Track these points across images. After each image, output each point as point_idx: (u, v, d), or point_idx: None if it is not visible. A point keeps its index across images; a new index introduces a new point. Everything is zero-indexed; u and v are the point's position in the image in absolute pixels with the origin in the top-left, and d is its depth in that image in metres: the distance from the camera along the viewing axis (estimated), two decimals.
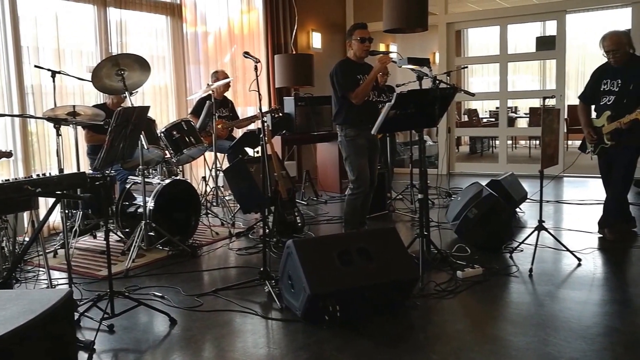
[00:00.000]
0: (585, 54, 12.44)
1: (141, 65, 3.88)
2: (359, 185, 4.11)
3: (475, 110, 11.63)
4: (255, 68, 3.19)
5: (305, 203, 5.98)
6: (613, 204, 4.27)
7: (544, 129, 3.60)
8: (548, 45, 8.10)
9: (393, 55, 4.04)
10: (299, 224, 4.40)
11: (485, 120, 11.44)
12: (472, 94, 4.49)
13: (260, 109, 3.28)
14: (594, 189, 6.55)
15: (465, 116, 11.49)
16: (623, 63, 4.11)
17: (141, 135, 3.90)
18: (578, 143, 12.18)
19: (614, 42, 4.08)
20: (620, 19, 8.82)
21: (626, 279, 3.40)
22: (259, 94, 3.21)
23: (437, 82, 3.40)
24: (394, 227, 3.30)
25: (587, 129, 4.33)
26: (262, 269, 3.30)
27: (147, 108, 3.62)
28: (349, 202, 4.20)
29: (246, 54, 3.33)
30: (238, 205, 5.13)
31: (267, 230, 4.31)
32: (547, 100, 3.76)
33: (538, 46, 9.68)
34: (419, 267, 3.33)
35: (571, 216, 5.16)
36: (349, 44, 4.12)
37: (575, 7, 7.51)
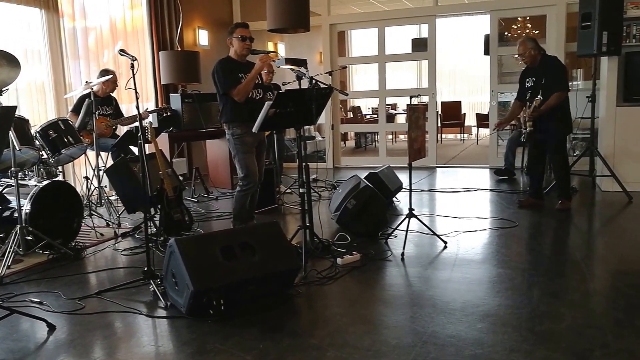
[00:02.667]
0: (456, 54, 13.37)
1: (9, 61, 3.61)
2: (248, 182, 4.14)
3: (359, 107, 12.06)
4: (132, 66, 3.09)
5: (196, 200, 5.89)
6: (557, 178, 5.04)
7: (410, 125, 3.85)
8: (422, 47, 8.58)
9: (277, 55, 4.10)
10: (187, 222, 4.34)
11: (368, 116, 11.90)
12: (346, 94, 4.68)
13: (138, 108, 3.18)
14: (463, 178, 7.10)
15: (351, 113, 11.89)
16: (537, 63, 4.85)
17: (12, 136, 3.63)
18: (451, 137, 13.28)
19: (520, 48, 4.89)
20: (481, 25, 9.58)
21: (483, 259, 3.74)
22: (136, 92, 3.12)
23: (314, 82, 3.51)
24: (277, 220, 3.37)
25: (506, 121, 5.35)
26: (146, 269, 3.23)
27: (13, 108, 3.38)
28: (237, 199, 4.22)
29: (122, 52, 3.22)
30: (123, 205, 4.95)
31: (155, 229, 4.23)
32: (414, 98, 4.00)
33: (413, 47, 10.23)
34: (301, 257, 3.43)
35: (441, 203, 5.56)
36: (230, 42, 4.11)
37: (443, 12, 8.04)
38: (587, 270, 3.38)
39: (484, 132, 11.32)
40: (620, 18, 5.47)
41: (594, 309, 2.79)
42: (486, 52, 8.49)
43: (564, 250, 3.95)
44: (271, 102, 3.33)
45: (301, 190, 3.69)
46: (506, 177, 6.83)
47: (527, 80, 4.99)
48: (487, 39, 8.27)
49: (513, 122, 7.30)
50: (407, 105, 3.97)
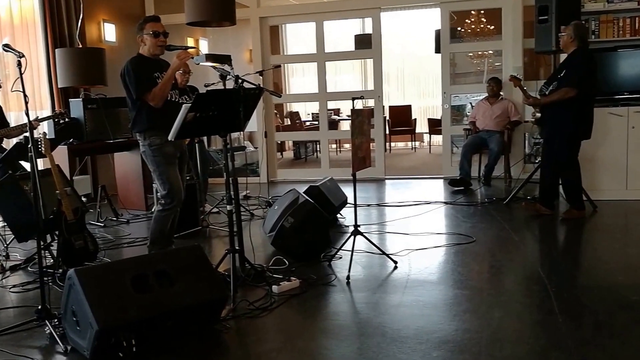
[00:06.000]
0: (404, 53, 13.74)
1: None
2: (172, 199, 4.07)
3: (298, 113, 12.15)
4: (19, 64, 2.98)
5: (102, 224, 5.72)
6: (565, 187, 5.34)
7: (354, 130, 3.91)
8: (366, 44, 8.75)
9: (197, 50, 4.07)
10: (91, 250, 4.20)
11: (308, 123, 12.00)
12: (279, 95, 4.70)
13: (28, 114, 3.06)
14: (415, 190, 7.26)
15: (288, 119, 11.94)
16: (569, 51, 5.15)
17: None
18: (401, 145, 13.59)
19: (563, 29, 5.17)
20: (432, 19, 9.93)
21: (437, 279, 3.82)
22: (25, 96, 3.00)
23: (240, 81, 3.51)
24: (199, 244, 3.32)
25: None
26: (40, 307, 3.09)
27: None
28: (158, 220, 4.13)
29: (6, 47, 3.10)
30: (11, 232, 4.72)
31: (52, 260, 4.06)
32: (358, 101, 4.07)
33: (357, 45, 10.42)
34: (230, 285, 3.40)
35: (391, 218, 5.65)
36: (140, 39, 4.05)
37: (388, 4, 8.26)
38: (551, 287, 3.51)
39: (437, 139, 11.66)
40: (577, 12, 5.82)
41: (559, 329, 2.91)
42: (437, 50, 8.77)
43: (526, 266, 4.10)
44: (189, 105, 3.29)
45: (229, 207, 3.65)
46: (462, 187, 7.04)
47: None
48: (438, 35, 8.56)
49: (467, 127, 7.61)
50: (351, 109, 4.02)
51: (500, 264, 4.19)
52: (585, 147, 5.29)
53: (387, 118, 12.04)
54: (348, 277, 3.76)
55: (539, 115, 5.32)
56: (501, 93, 7.57)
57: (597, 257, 4.29)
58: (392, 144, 12.78)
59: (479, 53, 11.03)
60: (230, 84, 3.68)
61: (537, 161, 7.25)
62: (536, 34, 6.09)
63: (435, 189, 7.44)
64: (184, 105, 3.33)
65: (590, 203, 5.58)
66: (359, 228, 4.08)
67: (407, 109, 12.80)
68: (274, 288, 3.55)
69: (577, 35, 5.06)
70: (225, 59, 3.73)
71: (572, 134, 5.13)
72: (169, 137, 3.45)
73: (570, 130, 5.10)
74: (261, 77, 5.69)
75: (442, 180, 7.88)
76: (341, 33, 11.77)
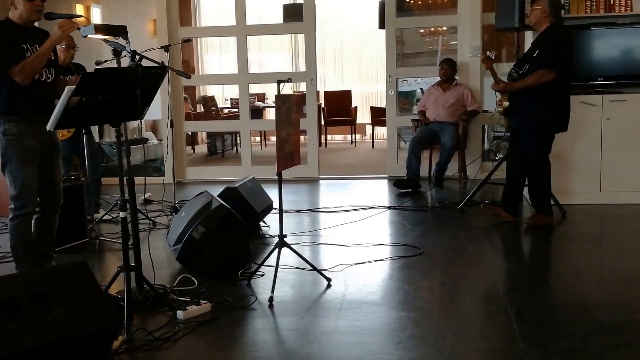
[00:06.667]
0: (343, 28, 13.86)
1: None
2: (23, 203, 4.00)
3: (213, 98, 12.02)
4: None
5: None
6: (532, 189, 5.50)
7: (279, 120, 3.90)
8: (297, 16, 8.73)
9: (85, 20, 3.99)
10: None
11: (227, 111, 11.93)
12: (188, 76, 4.66)
13: None
14: (355, 193, 7.34)
15: (201, 106, 11.81)
16: (541, 29, 5.31)
17: None
18: (339, 138, 13.69)
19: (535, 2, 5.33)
20: None
21: (379, 299, 3.87)
22: None
23: (138, 58, 3.47)
24: (84, 260, 3.24)
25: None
26: None
27: None
28: (13, 229, 4.05)
29: None
30: None
31: None
32: (284, 84, 4.06)
33: (285, 16, 10.39)
34: (123, 311, 3.35)
35: (325, 227, 5.69)
36: (10, 1, 3.92)
37: None
38: (512, 307, 3.62)
39: (381, 131, 11.82)
40: None
41: (521, 357, 3.00)
42: (382, 25, 8.89)
43: (483, 283, 4.23)
44: (73, 87, 3.22)
45: (122, 214, 3.59)
46: (409, 189, 7.17)
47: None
48: (382, 7, 8.67)
49: (417, 117, 7.76)
50: (276, 94, 4.02)
51: (453, 280, 4.29)
52: (555, 143, 5.43)
53: (322, 106, 12.11)
54: (271, 299, 3.76)
55: (507, 104, 5.46)
56: (456, 77, 7.76)
57: (566, 271, 4.45)
58: (328, 137, 12.90)
59: (432, 29, 11.23)
60: (126, 62, 3.63)
61: (497, 158, 7.49)
62: (497, 7, 6.27)
63: (379, 191, 7.55)
64: (67, 88, 3.24)
65: (558, 208, 5.78)
66: (285, 239, 4.08)
67: (347, 95, 12.93)
68: (179, 314, 3.52)
69: (550, 10, 5.22)
70: (119, 31, 3.68)
71: (547, 125, 5.29)
72: (48, 127, 3.36)
73: (544, 121, 5.26)
74: (167, 54, 5.59)
75: (386, 180, 8.00)
76: (267, 1, 11.75)
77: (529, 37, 6.39)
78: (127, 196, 3.67)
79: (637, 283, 4.07)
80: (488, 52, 5.65)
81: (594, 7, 6.22)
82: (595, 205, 6.07)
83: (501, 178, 6.02)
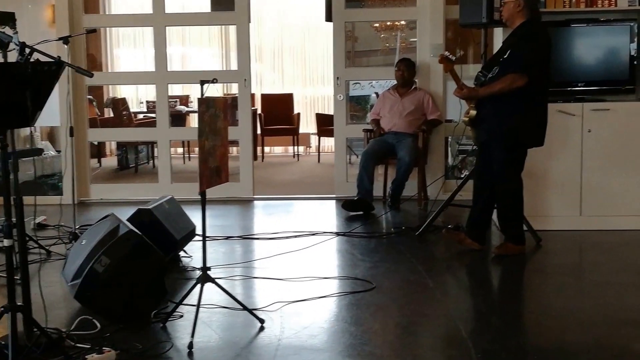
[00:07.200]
0: (284, 20, 13.87)
1: None
2: None
3: (125, 100, 11.88)
4: None
5: None
6: (501, 213, 5.58)
7: (203, 129, 3.86)
8: (227, 4, 8.69)
9: None
10: None
11: (142, 116, 11.84)
12: (90, 74, 4.54)
13: None
14: (296, 216, 7.31)
15: (110, 110, 11.66)
16: (514, 25, 5.38)
17: None
18: (278, 150, 13.68)
19: None
20: None
21: (321, 344, 3.83)
22: None
23: (28, 52, 3.40)
24: None
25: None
26: None
27: None
28: None
29: None
30: None
31: None
32: (208, 85, 4.00)
33: (214, 4, 10.36)
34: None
35: (260, 257, 5.63)
36: None
37: None
38: (477, 352, 3.62)
39: (329, 143, 11.81)
40: None
41: None
42: (328, 18, 8.92)
43: (444, 323, 4.22)
44: None
45: (6, 242, 3.49)
46: (360, 212, 7.18)
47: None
48: None
49: (370, 127, 7.79)
50: (199, 97, 3.97)
51: (408, 320, 4.28)
52: (528, 158, 5.48)
53: (259, 112, 12.10)
54: (191, 345, 3.70)
55: (474, 113, 5.48)
56: (415, 81, 7.82)
57: (541, 309, 4.49)
58: (266, 149, 12.85)
59: (388, 24, 11.31)
60: (14, 57, 3.57)
61: (462, 176, 7.54)
62: (461, 0, 6.34)
63: (325, 214, 7.55)
64: None
65: (532, 234, 5.85)
66: (209, 272, 4.04)
67: (288, 99, 12.97)
68: None
69: (526, 4, 5.29)
70: (5, 19, 3.60)
71: (519, 138, 5.33)
72: None
73: (515, 134, 5.29)
74: (66, 47, 5.47)
75: (334, 201, 8.01)
76: None
77: (498, 35, 6.48)
78: (14, 220, 3.56)
79: (622, 323, 4.11)
80: (446, 53, 5.69)
81: (574, 0, 6.26)
82: (575, 232, 6.15)
83: (467, 199, 6.07)
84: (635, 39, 6.22)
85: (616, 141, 6.13)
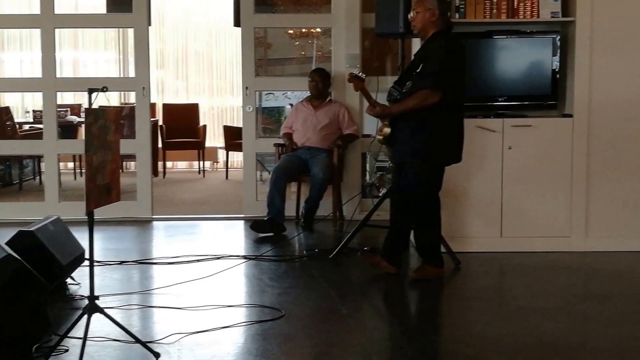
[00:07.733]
0: (188, 23, 13.78)
1: None
2: None
3: (9, 109, 11.60)
4: None
5: None
6: (419, 235, 5.72)
7: (91, 142, 3.79)
8: (125, 4, 8.59)
9: None
10: None
11: (27, 127, 11.57)
12: None
13: None
14: (200, 238, 7.25)
15: None
16: (426, 36, 5.50)
17: None
18: (182, 166, 13.57)
19: (418, 3, 5.46)
20: None
21: None
22: None
23: None
24: None
25: None
26: None
27: None
28: None
29: None
30: None
31: None
32: (97, 94, 3.95)
33: (110, 5, 10.22)
34: None
35: (158, 284, 5.57)
36: None
37: None
38: None
39: (238, 158, 11.75)
40: None
41: None
42: (237, 23, 8.92)
43: (356, 353, 4.24)
44: None
45: None
46: (271, 233, 7.18)
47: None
48: (237, 1, 8.69)
49: (282, 142, 7.80)
50: (86, 107, 3.91)
51: (318, 350, 4.29)
52: (447, 176, 5.56)
53: (160, 123, 11.97)
54: None
55: (388, 130, 5.51)
56: (330, 92, 7.85)
57: (460, 337, 4.55)
58: (168, 165, 12.70)
59: (304, 31, 11.34)
60: None
61: (379, 194, 7.60)
62: (376, 7, 6.40)
63: (232, 235, 7.53)
64: None
65: (450, 257, 5.94)
66: (97, 301, 3.98)
67: (193, 109, 12.88)
68: None
69: (440, 13, 5.35)
70: None
71: (434, 156, 5.41)
72: None
73: (429, 152, 5.36)
74: None
75: (242, 222, 8.00)
76: None
77: (416, 46, 6.49)
78: None
79: (543, 351, 4.20)
80: (356, 71, 5.74)
81: (495, 10, 6.31)
82: (495, 254, 6.28)
83: (384, 219, 6.12)
84: (558, 52, 6.37)
85: (538, 158, 6.25)
